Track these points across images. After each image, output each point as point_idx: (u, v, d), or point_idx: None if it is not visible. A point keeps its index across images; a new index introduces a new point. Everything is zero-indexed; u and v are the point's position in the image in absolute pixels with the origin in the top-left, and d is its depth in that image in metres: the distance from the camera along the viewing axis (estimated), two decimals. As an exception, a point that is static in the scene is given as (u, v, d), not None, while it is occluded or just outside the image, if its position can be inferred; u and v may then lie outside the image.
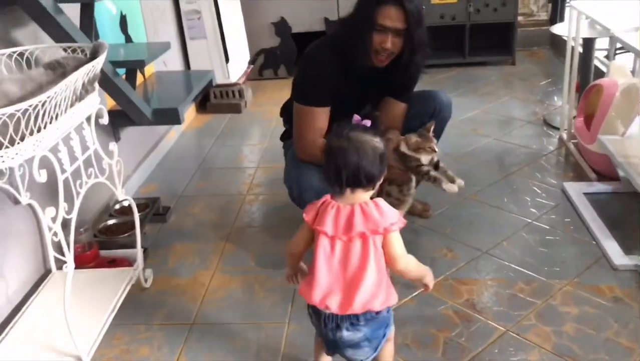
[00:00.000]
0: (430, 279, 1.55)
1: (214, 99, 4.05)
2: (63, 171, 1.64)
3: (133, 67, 2.56)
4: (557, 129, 3.34)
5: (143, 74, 3.18)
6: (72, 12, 2.17)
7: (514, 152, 3.14)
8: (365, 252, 1.40)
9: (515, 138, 3.31)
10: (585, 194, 2.61)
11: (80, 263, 2.24)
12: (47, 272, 2.16)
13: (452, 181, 2.14)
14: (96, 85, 1.82)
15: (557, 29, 3.43)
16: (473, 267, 2.22)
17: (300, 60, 2.31)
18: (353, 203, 1.41)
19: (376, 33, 2.04)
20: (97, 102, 1.84)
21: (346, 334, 1.45)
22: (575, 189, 2.65)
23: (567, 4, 4.47)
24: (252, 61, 4.59)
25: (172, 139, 3.57)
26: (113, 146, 1.96)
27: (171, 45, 3.67)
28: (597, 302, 1.97)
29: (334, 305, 1.41)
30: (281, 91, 4.38)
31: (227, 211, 2.74)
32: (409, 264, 1.47)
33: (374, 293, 1.41)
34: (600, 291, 2.03)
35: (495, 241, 2.35)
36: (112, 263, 2.29)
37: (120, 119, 2.77)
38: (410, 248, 1.48)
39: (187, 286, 2.23)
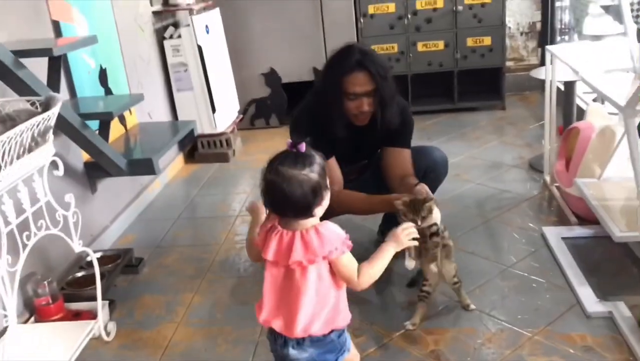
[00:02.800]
0: (403, 243, 1.55)
1: (202, 148, 4.08)
2: (7, 223, 1.63)
3: (102, 119, 2.58)
4: (542, 172, 3.30)
5: (124, 125, 3.21)
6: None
7: (496, 197, 3.09)
8: (303, 279, 1.40)
9: (499, 183, 3.27)
10: (564, 238, 2.55)
11: (44, 316, 2.22)
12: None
13: (433, 260, 2.04)
14: (49, 137, 1.83)
15: (537, 73, 3.43)
16: (442, 316, 2.15)
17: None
18: (296, 228, 1.41)
19: (349, 101, 2.14)
20: (51, 154, 1.84)
21: (292, 352, 1.46)
22: (554, 234, 2.59)
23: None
24: (243, 111, 4.63)
25: (156, 190, 3.58)
26: (69, 197, 1.96)
27: (158, 96, 3.76)
28: (566, 352, 1.89)
29: (277, 327, 1.45)
30: (272, 139, 4.41)
31: (200, 261, 2.71)
32: (365, 280, 1.46)
33: (314, 318, 1.43)
34: (571, 340, 1.95)
35: (467, 288, 2.27)
36: (77, 316, 2.26)
37: (96, 170, 2.79)
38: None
39: (149, 340, 2.18)
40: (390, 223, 2.54)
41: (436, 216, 2.03)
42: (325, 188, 1.42)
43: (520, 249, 2.54)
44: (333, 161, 2.28)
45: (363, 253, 2.62)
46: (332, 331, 1.47)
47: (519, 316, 2.10)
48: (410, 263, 2.04)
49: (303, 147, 1.41)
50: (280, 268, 1.44)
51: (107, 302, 2.29)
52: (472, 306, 2.15)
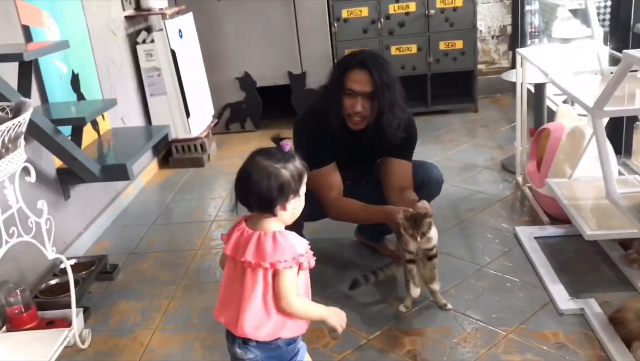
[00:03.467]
0: (334, 321, 1.52)
1: (176, 153, 4.05)
2: (-23, 231, 1.61)
3: (74, 125, 2.55)
4: (514, 173, 3.35)
5: (97, 131, 3.18)
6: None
7: (470, 198, 3.13)
8: (253, 281, 1.40)
9: (472, 184, 3.31)
10: (536, 238, 2.59)
11: (17, 325, 2.19)
12: (-23, 336, 2.10)
13: (432, 280, 2.10)
14: (21, 143, 1.80)
15: (508, 75, 3.48)
16: (418, 316, 2.17)
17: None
18: (257, 229, 1.42)
19: (346, 97, 2.15)
20: (22, 160, 1.82)
21: (238, 351, 1.47)
22: (527, 233, 2.63)
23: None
24: (218, 116, 4.62)
25: (130, 195, 3.54)
26: (42, 204, 1.93)
27: (131, 101, 3.72)
28: (540, 349, 1.92)
29: (224, 321, 1.48)
30: (247, 143, 4.40)
31: (176, 267, 2.69)
32: (293, 306, 1.42)
33: (260, 323, 1.43)
34: (544, 337, 1.98)
35: (443, 288, 2.29)
36: (51, 324, 2.23)
37: (69, 177, 2.76)
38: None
39: (125, 347, 2.16)
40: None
41: (434, 235, 2.07)
42: (294, 192, 1.42)
43: (494, 249, 2.58)
44: (333, 168, 2.29)
45: (339, 250, 2.65)
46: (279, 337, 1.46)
47: (494, 315, 2.13)
48: (415, 291, 2.09)
49: (287, 146, 1.42)
50: (236, 264, 1.44)
51: (81, 309, 2.27)
52: (449, 306, 2.18)
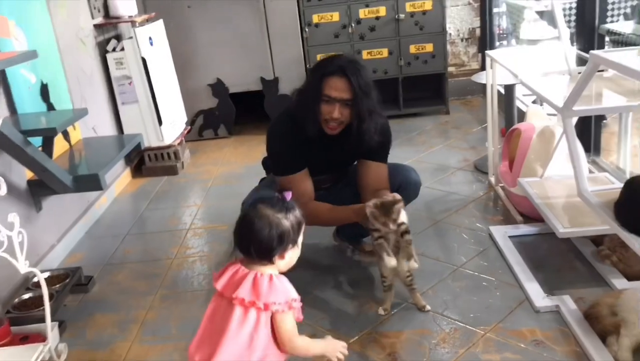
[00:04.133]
0: (331, 353, 1.55)
1: (149, 162, 4.01)
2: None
3: (45, 136, 2.51)
4: (487, 174, 3.39)
5: (68, 141, 3.13)
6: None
7: (444, 199, 3.16)
8: (242, 319, 1.40)
9: (446, 185, 3.34)
10: (510, 237, 2.63)
11: (-11, 342, 2.14)
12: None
13: (409, 258, 2.06)
14: (-10, 156, 1.77)
15: (478, 77, 3.53)
16: (398, 318, 2.18)
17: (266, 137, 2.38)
18: (253, 270, 1.44)
19: (324, 104, 2.14)
20: (-8, 174, 1.78)
21: None
22: (501, 233, 2.66)
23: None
24: (190, 122, 4.59)
25: (103, 205, 3.50)
26: (13, 217, 1.89)
27: (102, 110, 3.68)
28: (518, 347, 1.95)
29: (197, 358, 1.46)
30: (221, 150, 4.39)
31: (152, 277, 2.66)
32: (298, 347, 1.48)
33: None
34: (521, 335, 2.01)
35: (420, 289, 2.31)
36: (25, 339, 2.18)
37: (41, 188, 2.71)
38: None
39: (102, 360, 2.13)
40: (344, 226, 2.57)
41: (403, 216, 2.07)
42: (293, 242, 1.46)
43: (470, 249, 2.61)
44: (305, 174, 2.29)
45: (318, 256, 2.65)
46: None
47: (471, 315, 2.15)
48: (391, 260, 2.04)
49: (288, 196, 1.47)
50: (222, 302, 1.44)
51: (56, 323, 2.22)
52: (428, 307, 2.20)
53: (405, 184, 2.41)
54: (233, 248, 1.49)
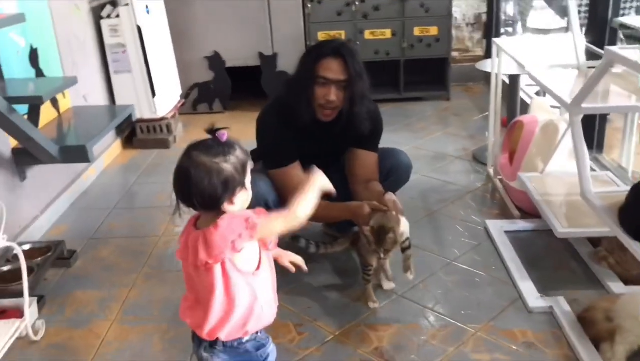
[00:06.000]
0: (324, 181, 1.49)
1: (141, 133, 3.92)
2: None
3: (31, 103, 2.41)
4: (485, 165, 3.32)
5: (57, 109, 3.04)
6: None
7: (440, 189, 3.09)
8: (211, 278, 1.31)
9: (443, 174, 3.27)
10: (506, 232, 2.56)
11: (-36, 314, 2.07)
12: None
13: (406, 270, 2.03)
14: (-32, 124, 1.68)
15: (482, 65, 3.44)
16: (386, 311, 2.12)
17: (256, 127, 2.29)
18: (205, 226, 1.31)
19: (319, 86, 2.08)
20: (-30, 142, 1.69)
21: (204, 355, 1.41)
22: (497, 227, 2.60)
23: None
24: (185, 95, 4.48)
25: (91, 177, 3.41)
26: (-8, 188, 1.81)
27: (94, 78, 3.57)
28: (508, 348, 1.90)
29: (189, 323, 1.40)
30: (215, 125, 4.28)
31: (137, 254, 2.59)
32: (301, 208, 1.39)
33: (222, 322, 1.35)
34: (512, 335, 1.95)
35: (411, 282, 2.26)
36: (2, 313, 2.11)
37: (25, 157, 2.62)
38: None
39: (80, 339, 2.06)
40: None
41: (404, 227, 2.02)
42: (240, 184, 1.31)
43: (464, 243, 2.54)
44: (297, 166, 2.20)
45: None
46: (247, 341, 1.40)
47: (462, 312, 2.10)
48: (389, 285, 2.13)
49: (224, 136, 1.31)
50: (189, 266, 1.35)
51: (35, 298, 2.15)
52: (410, 276, 2.08)
53: (395, 167, 2.35)
54: (176, 204, 1.35)
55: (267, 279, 1.43)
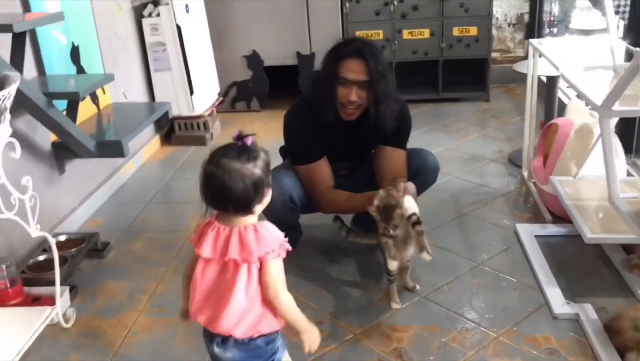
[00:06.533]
0: (308, 339, 1.46)
1: (179, 130, 4.00)
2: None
3: (69, 99, 2.50)
4: (521, 168, 3.26)
5: (97, 105, 3.13)
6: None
7: (473, 192, 3.05)
8: (234, 277, 1.36)
9: (477, 177, 3.23)
10: (536, 236, 2.51)
11: (2, 300, 2.16)
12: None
13: (421, 249, 1.97)
14: (5, 118, 1.75)
15: (520, 66, 3.38)
16: (408, 312, 2.12)
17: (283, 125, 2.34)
18: (234, 225, 1.37)
19: (340, 86, 2.10)
20: (6, 136, 1.77)
21: (216, 350, 1.44)
22: (527, 231, 2.55)
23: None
24: (224, 93, 4.55)
25: (129, 171, 3.50)
26: (27, 180, 1.88)
27: (134, 76, 3.67)
28: (530, 354, 1.87)
29: (202, 320, 1.42)
30: (252, 123, 4.35)
31: (168, 248, 2.65)
32: (281, 297, 1.39)
33: (239, 319, 1.38)
34: (535, 341, 1.92)
35: (435, 285, 2.25)
36: (36, 300, 2.20)
37: (64, 151, 2.72)
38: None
39: (108, 328, 2.13)
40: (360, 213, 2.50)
41: (412, 205, 2.00)
42: (267, 185, 1.38)
43: (493, 246, 2.51)
44: (323, 162, 2.26)
45: (335, 239, 2.57)
46: (258, 336, 1.42)
47: (486, 316, 2.07)
48: (392, 264, 2.05)
49: (249, 141, 1.35)
50: (214, 265, 1.39)
51: (67, 288, 2.23)
52: (417, 287, 2.20)
53: (422, 168, 2.34)
54: (206, 210, 1.39)
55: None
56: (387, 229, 1.94)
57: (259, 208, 1.38)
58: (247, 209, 1.35)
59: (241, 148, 1.35)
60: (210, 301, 1.42)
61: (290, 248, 1.40)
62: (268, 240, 1.35)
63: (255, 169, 1.34)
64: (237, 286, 1.36)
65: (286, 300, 1.40)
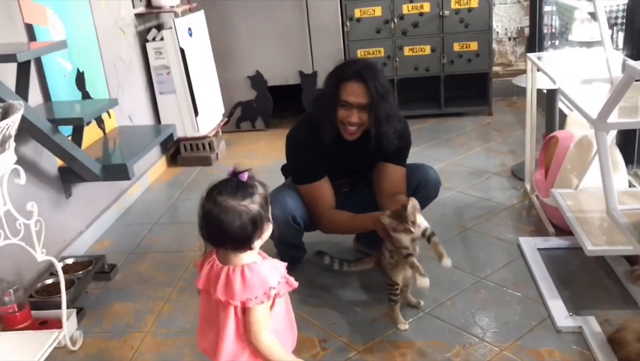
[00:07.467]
0: None
1: (184, 152, 4.05)
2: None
3: (74, 125, 2.55)
4: (524, 181, 3.27)
5: (103, 129, 3.18)
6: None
7: (476, 206, 3.06)
8: (225, 316, 1.37)
9: (480, 191, 3.24)
10: (539, 249, 2.52)
11: (10, 324, 2.19)
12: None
13: (441, 257, 1.96)
14: (10, 145, 1.79)
15: (520, 80, 3.40)
16: (412, 329, 2.12)
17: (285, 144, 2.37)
18: (229, 263, 1.39)
19: (341, 109, 2.13)
20: (11, 163, 1.81)
21: None
22: (530, 245, 2.56)
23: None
24: (229, 114, 4.61)
25: (135, 194, 3.54)
26: (31, 206, 1.92)
27: (140, 99, 3.72)
28: (533, 368, 1.87)
29: (202, 349, 1.47)
30: (257, 142, 4.39)
31: (174, 268, 2.68)
32: (261, 343, 1.39)
33: (235, 357, 1.40)
34: (539, 355, 1.92)
35: (439, 300, 2.25)
36: (44, 324, 2.23)
37: (70, 175, 2.76)
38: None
39: (115, 350, 2.15)
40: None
41: (422, 220, 2.01)
42: (266, 219, 1.38)
43: (496, 260, 2.51)
44: (325, 182, 2.28)
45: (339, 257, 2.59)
46: None
47: (489, 330, 2.07)
48: (424, 281, 1.96)
49: (245, 176, 1.36)
50: (209, 297, 1.41)
51: (74, 310, 2.26)
52: (421, 302, 2.22)
53: (424, 183, 2.35)
54: (205, 247, 1.42)
55: (282, 311, 1.47)
56: (408, 229, 1.92)
57: (258, 243, 1.39)
58: (245, 245, 1.36)
59: (237, 184, 1.35)
60: (208, 332, 1.44)
61: (293, 284, 1.42)
62: (253, 286, 1.35)
63: (252, 205, 1.33)
64: (227, 326, 1.38)
65: (269, 344, 1.40)
